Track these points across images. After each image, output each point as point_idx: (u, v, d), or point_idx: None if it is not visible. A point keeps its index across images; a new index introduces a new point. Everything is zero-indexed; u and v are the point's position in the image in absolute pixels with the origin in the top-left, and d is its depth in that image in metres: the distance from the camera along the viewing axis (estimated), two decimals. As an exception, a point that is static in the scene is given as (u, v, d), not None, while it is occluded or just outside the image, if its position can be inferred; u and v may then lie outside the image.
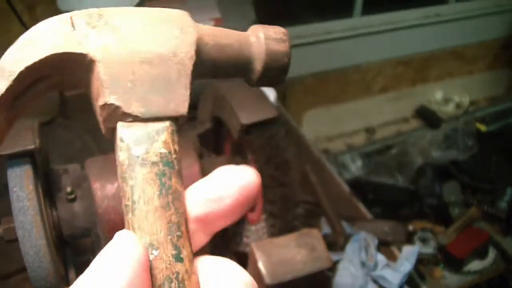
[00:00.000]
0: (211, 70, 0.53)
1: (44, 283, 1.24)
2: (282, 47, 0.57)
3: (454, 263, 2.79)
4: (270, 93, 2.00)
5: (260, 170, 1.42)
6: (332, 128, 3.45)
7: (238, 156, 1.55)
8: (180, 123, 0.50)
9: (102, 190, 1.32)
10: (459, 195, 3.19)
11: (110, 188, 1.32)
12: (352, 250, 1.76)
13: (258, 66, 0.56)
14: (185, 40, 0.50)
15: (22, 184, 1.22)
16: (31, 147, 1.21)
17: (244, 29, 0.56)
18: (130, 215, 0.45)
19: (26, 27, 2.14)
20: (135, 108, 0.47)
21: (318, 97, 3.29)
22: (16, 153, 1.20)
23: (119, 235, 0.44)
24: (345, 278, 1.67)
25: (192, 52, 0.50)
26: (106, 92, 0.47)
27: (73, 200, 1.38)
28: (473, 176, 3.24)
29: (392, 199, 3.05)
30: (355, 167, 3.24)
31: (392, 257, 1.88)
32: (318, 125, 3.32)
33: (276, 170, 1.42)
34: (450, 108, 3.73)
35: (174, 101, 0.49)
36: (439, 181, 3.18)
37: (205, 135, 1.67)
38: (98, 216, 1.32)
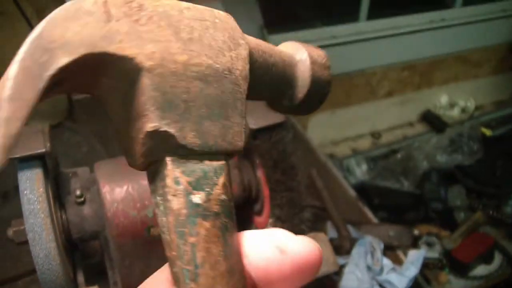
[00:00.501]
0: (253, 89, 0.43)
1: (53, 286, 1.25)
2: (326, 75, 0.51)
3: (460, 268, 2.79)
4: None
5: (267, 174, 1.43)
6: (338, 132, 3.45)
7: (246, 161, 1.56)
8: (231, 157, 0.41)
9: (112, 193, 1.33)
10: (464, 200, 3.19)
11: (119, 192, 1.33)
12: (358, 254, 1.77)
13: (299, 93, 0.50)
14: (239, 54, 0.41)
15: (33, 187, 1.23)
16: (42, 150, 1.22)
17: (251, 33, 0.46)
18: (192, 284, 0.36)
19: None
20: (190, 139, 0.38)
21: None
22: (27, 156, 1.21)
23: None
24: (351, 282, 1.68)
25: (246, 69, 0.41)
26: (157, 114, 0.36)
27: (82, 203, 1.39)
28: (478, 180, 3.24)
29: (397, 204, 3.06)
30: (360, 171, 3.24)
31: (397, 261, 1.89)
32: (323, 129, 3.32)
33: (283, 174, 1.42)
34: (455, 113, 3.73)
35: (231, 131, 0.40)
36: (444, 186, 3.18)
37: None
38: (107, 220, 1.33)
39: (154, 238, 1.34)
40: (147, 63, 0.36)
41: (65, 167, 1.51)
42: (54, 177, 1.45)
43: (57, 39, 0.33)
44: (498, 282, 2.88)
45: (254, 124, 1.38)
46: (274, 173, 1.41)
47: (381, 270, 1.77)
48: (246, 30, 0.44)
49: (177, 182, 0.37)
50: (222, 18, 0.42)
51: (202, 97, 0.38)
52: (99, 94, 0.39)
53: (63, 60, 0.33)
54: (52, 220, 1.24)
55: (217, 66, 0.39)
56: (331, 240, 1.75)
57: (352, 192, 2.18)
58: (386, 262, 1.81)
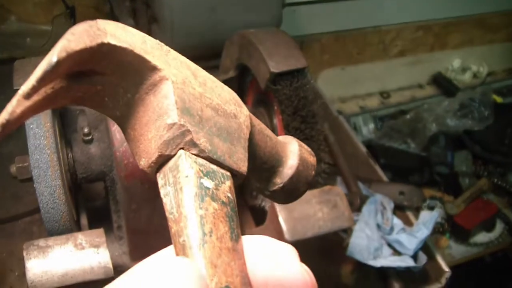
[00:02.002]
0: (249, 154, 0.51)
1: (57, 226, 1.20)
2: (312, 159, 0.60)
3: (461, 234, 2.77)
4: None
5: (286, 121, 1.37)
6: (346, 89, 3.38)
7: (262, 107, 1.50)
8: (235, 183, 0.47)
9: (121, 132, 1.27)
10: (470, 166, 3.15)
11: (130, 131, 1.28)
12: (368, 212, 1.72)
13: (288, 169, 0.58)
14: (242, 111, 0.51)
15: (39, 121, 1.17)
16: (50, 82, 1.16)
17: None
18: (198, 249, 0.38)
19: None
20: (203, 142, 0.44)
21: (335, 56, 3.22)
22: (34, 88, 1.15)
23: (176, 263, 0.38)
24: (360, 239, 1.63)
25: (248, 122, 0.51)
26: (177, 112, 0.43)
27: (90, 141, 1.34)
28: (486, 147, 3.19)
29: (403, 165, 3.01)
30: (367, 130, 3.19)
31: (407, 222, 1.85)
32: (332, 85, 3.25)
33: (303, 122, 1.37)
34: (466, 77, 3.65)
35: (236, 156, 0.47)
36: (451, 150, 3.13)
37: (228, 83, 1.62)
38: (116, 160, 1.27)
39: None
40: (172, 77, 0.44)
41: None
42: (60, 113, 1.39)
43: (109, 31, 0.41)
44: (497, 251, 2.88)
45: (274, 67, 1.31)
46: (293, 120, 1.35)
47: (391, 229, 1.74)
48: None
49: (190, 168, 0.42)
50: (228, 88, 0.52)
51: (213, 120, 0.46)
52: (119, 106, 0.47)
53: (112, 40, 0.41)
54: (58, 157, 1.18)
55: (225, 108, 0.48)
56: (342, 196, 1.71)
57: (363, 149, 2.13)
58: (397, 221, 1.77)
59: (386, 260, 1.65)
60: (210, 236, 0.39)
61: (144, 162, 0.45)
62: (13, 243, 1.63)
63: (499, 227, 2.87)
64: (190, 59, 0.50)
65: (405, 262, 1.66)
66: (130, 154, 1.26)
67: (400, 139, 3.12)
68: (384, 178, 2.03)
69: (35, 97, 0.40)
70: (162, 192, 0.43)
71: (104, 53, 0.41)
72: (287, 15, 2.25)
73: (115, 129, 1.27)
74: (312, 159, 0.60)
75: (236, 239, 0.41)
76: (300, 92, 1.34)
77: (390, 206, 1.80)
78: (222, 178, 0.44)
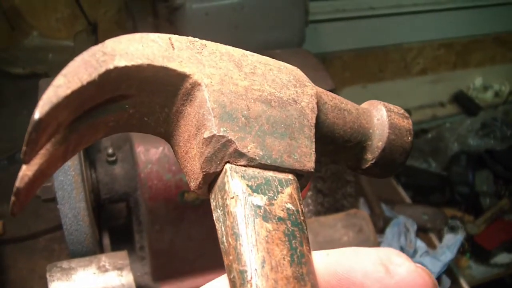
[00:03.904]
0: (326, 135, 0.46)
1: (80, 248, 1.19)
2: (406, 123, 0.51)
3: (482, 254, 2.73)
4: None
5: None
6: (367, 107, 3.38)
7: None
8: (302, 183, 0.41)
9: (146, 154, 1.27)
10: (491, 185, 3.11)
11: (155, 153, 1.27)
12: (392, 234, 1.71)
13: (378, 141, 0.50)
14: (305, 91, 0.44)
15: (64, 142, 1.16)
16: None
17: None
18: (248, 286, 0.33)
19: None
20: (251, 149, 0.39)
21: (356, 74, 3.22)
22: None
23: None
24: (383, 263, 1.61)
25: (313, 103, 0.44)
26: (215, 122, 0.38)
27: (114, 162, 1.33)
28: (507, 167, 3.15)
29: (423, 184, 2.98)
30: (388, 148, 3.17)
31: (430, 245, 1.83)
32: (353, 102, 3.25)
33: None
34: (488, 96, 3.63)
35: (298, 151, 0.41)
36: (472, 170, 3.10)
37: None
38: (140, 181, 1.27)
39: (187, 204, 1.28)
40: (206, 80, 0.39)
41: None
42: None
43: (119, 51, 0.36)
44: (518, 272, 2.83)
45: (301, 90, 1.30)
46: (320, 144, 1.34)
47: (415, 252, 1.72)
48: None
49: (235, 186, 0.37)
50: (288, 66, 0.46)
51: (264, 116, 0.40)
52: (156, 118, 0.42)
53: (121, 63, 0.36)
54: (82, 178, 1.18)
55: (281, 95, 0.42)
56: (364, 218, 1.69)
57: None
58: (420, 244, 1.75)
59: (410, 284, 1.63)
60: (262, 267, 0.33)
61: (193, 184, 0.40)
62: (34, 260, 1.62)
63: (521, 248, 2.83)
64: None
65: (429, 286, 1.64)
66: (155, 176, 1.25)
67: (421, 158, 3.10)
68: (407, 199, 2.02)
69: (46, 151, 0.36)
70: (214, 216, 0.38)
71: (116, 78, 0.36)
72: (309, 32, 2.24)
73: (140, 150, 1.26)
74: (406, 123, 0.51)
75: (299, 261, 0.35)
76: (326, 115, 1.33)
77: (413, 228, 1.78)
78: (279, 187, 0.38)
